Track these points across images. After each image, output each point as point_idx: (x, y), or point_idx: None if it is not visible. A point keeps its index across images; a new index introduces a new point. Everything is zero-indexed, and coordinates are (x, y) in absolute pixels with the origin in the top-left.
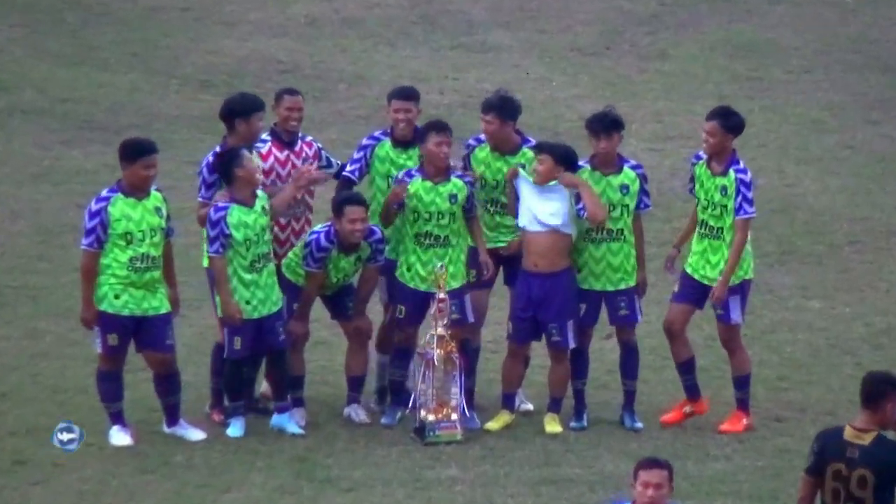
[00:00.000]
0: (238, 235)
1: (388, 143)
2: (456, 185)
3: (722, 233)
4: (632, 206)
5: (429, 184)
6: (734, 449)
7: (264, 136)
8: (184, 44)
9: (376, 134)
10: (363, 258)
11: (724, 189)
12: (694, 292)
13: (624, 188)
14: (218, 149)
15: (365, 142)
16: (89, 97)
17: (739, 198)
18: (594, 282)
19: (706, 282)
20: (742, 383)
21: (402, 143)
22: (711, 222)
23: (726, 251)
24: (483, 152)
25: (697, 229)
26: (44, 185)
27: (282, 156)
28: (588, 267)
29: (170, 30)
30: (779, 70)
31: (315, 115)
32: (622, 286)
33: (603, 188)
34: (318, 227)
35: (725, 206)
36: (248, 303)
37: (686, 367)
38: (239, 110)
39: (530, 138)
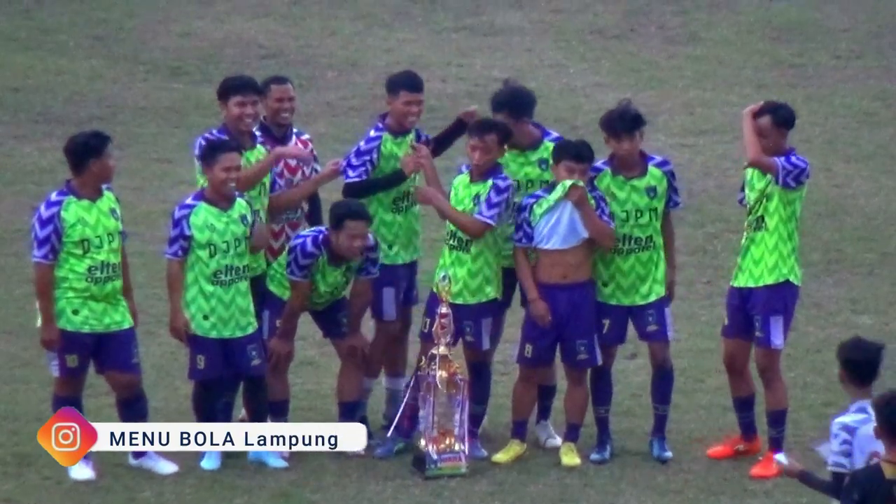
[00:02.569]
0: (200, 237)
1: (387, 136)
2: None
3: (764, 221)
4: (660, 208)
5: (468, 179)
6: (774, 483)
7: (255, 131)
8: (152, 25)
9: (374, 134)
10: (353, 268)
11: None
12: (743, 316)
13: (651, 191)
14: (215, 130)
15: (366, 146)
16: (45, 86)
17: (784, 172)
18: (622, 297)
19: (752, 283)
20: (777, 420)
21: (398, 133)
22: (760, 212)
23: (769, 239)
24: None
25: (744, 237)
26: None
27: None
28: (615, 281)
29: (136, 9)
30: (825, 55)
31: (301, 106)
32: (652, 297)
33: (627, 194)
34: (304, 231)
35: (771, 195)
36: (205, 318)
37: (744, 404)
38: (223, 88)
39: (550, 130)
